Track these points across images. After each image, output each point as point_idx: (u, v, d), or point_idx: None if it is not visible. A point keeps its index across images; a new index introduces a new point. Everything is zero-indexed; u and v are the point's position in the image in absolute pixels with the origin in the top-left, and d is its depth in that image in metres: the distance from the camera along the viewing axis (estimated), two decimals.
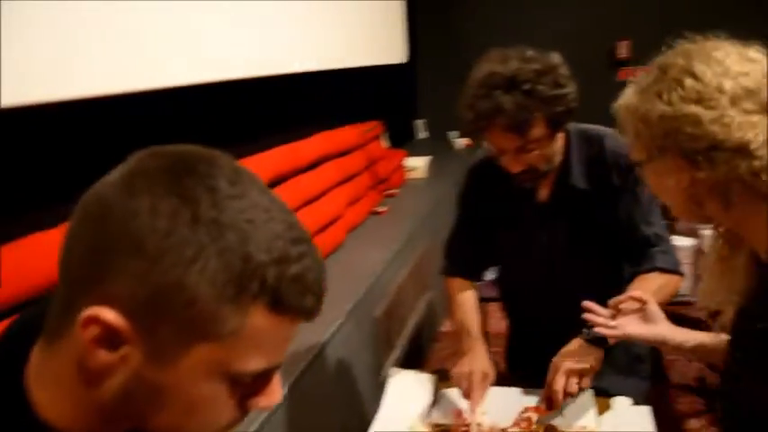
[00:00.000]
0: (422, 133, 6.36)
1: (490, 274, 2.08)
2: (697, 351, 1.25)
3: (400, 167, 4.13)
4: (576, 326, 1.74)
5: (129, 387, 0.55)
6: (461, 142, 5.99)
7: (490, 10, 6.47)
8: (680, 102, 0.87)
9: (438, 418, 1.62)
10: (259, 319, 0.53)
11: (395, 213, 3.53)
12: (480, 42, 6.50)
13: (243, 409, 0.60)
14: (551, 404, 1.47)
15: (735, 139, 0.83)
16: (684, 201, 0.94)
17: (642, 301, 1.30)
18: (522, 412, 1.54)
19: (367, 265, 2.66)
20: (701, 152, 0.86)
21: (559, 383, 1.44)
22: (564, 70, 1.46)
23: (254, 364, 0.56)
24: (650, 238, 1.59)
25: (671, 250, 1.61)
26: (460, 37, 6.55)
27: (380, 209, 3.50)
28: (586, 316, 1.36)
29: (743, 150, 0.83)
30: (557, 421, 1.56)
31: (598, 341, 1.46)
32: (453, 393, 1.68)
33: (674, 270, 1.57)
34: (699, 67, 0.87)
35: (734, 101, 0.84)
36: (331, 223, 2.87)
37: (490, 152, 1.63)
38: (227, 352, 0.54)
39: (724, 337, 1.13)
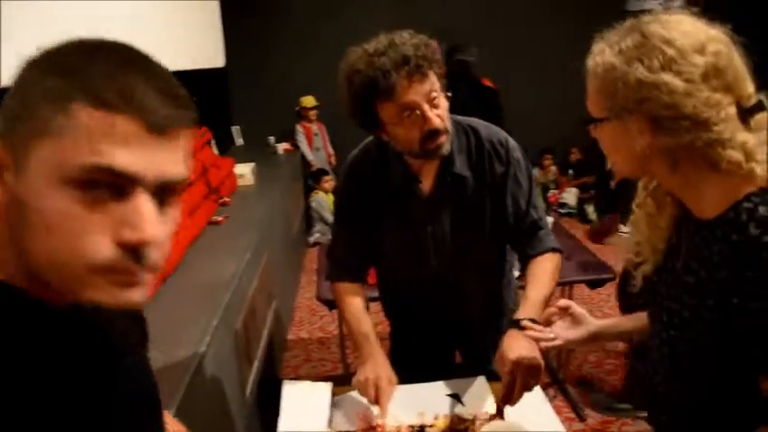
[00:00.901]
0: (238, 140, 6.18)
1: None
2: (624, 336, 1.34)
3: (231, 175, 3.97)
4: (464, 320, 1.79)
5: (11, 212, 0.61)
6: (281, 147, 5.93)
7: (300, 18, 6.46)
8: (660, 70, 0.91)
9: (341, 424, 1.57)
10: (84, 114, 0.58)
11: (233, 222, 3.38)
12: (290, 50, 6.47)
13: (118, 243, 0.60)
14: (507, 401, 1.43)
15: (700, 112, 0.90)
16: (633, 161, 1.00)
17: (567, 308, 1.37)
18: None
19: (220, 278, 2.50)
20: (669, 120, 0.91)
21: (521, 382, 1.40)
22: (433, 43, 1.50)
23: (86, 155, 0.58)
24: (538, 222, 1.67)
25: (550, 230, 1.71)
26: (270, 44, 6.47)
27: (218, 218, 3.33)
28: (528, 333, 1.38)
29: (705, 124, 0.90)
30: (459, 410, 1.59)
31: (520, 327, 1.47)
32: (351, 398, 1.64)
33: (560, 249, 1.68)
34: (679, 40, 0.91)
35: (705, 77, 0.91)
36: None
37: (383, 151, 1.62)
38: (63, 150, 0.58)
39: (643, 315, 1.22)
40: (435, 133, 1.48)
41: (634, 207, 1.16)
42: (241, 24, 6.02)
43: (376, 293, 1.91)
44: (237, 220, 3.42)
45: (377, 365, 1.56)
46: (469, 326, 1.82)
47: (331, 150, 6.42)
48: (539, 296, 1.54)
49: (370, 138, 1.69)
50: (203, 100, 5.01)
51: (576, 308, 1.37)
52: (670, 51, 0.90)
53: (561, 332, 1.35)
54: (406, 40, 1.43)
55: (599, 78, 0.98)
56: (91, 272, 0.60)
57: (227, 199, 3.70)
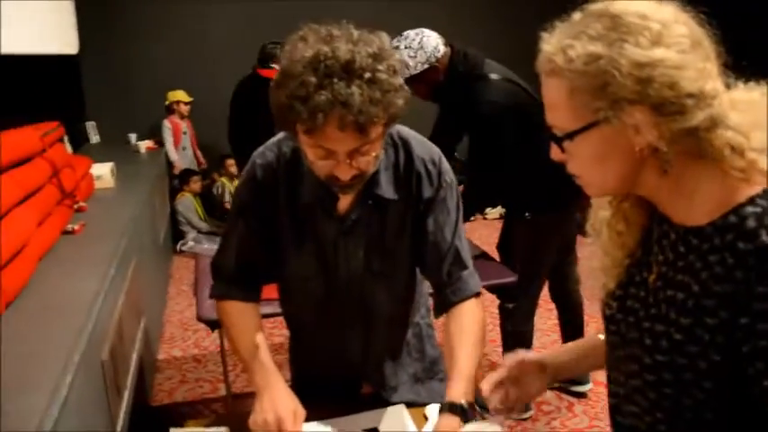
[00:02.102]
0: (93, 137, 5.61)
1: None
2: (589, 367, 1.21)
3: (87, 176, 3.51)
4: (370, 346, 1.59)
5: None
6: (144, 145, 5.43)
7: (158, 3, 5.97)
8: (651, 46, 0.77)
9: None
10: None
11: (91, 231, 2.96)
12: (153, 37, 6.00)
13: None
14: None
15: (702, 85, 0.79)
16: (626, 168, 0.85)
17: (519, 363, 1.20)
18: None
19: (78, 299, 2.12)
20: (673, 102, 0.78)
21: None
22: (397, 54, 1.22)
23: None
24: (462, 257, 1.46)
25: (473, 268, 1.50)
26: (129, 30, 5.94)
27: (73, 226, 2.90)
28: (493, 407, 1.18)
29: (707, 97, 0.79)
30: None
31: (464, 412, 1.26)
32: None
33: (480, 292, 1.49)
34: (653, 13, 0.79)
35: (693, 46, 0.79)
36: (19, 251, 2.25)
37: (298, 156, 1.36)
38: None
39: (595, 335, 1.08)
40: (341, 181, 1.26)
41: (593, 229, 1.02)
42: (97, 6, 5.45)
43: (271, 309, 1.65)
44: (97, 227, 3.00)
45: (277, 398, 1.30)
46: (375, 351, 1.62)
47: (199, 151, 6.01)
48: (469, 364, 1.32)
49: (283, 134, 1.43)
50: (53, 90, 4.47)
51: (530, 356, 1.20)
52: (654, 25, 0.78)
53: (523, 394, 1.19)
54: (365, 68, 1.13)
55: (578, 75, 0.81)
56: None
57: (83, 204, 3.25)
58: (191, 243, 5.34)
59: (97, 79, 5.80)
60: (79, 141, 5.19)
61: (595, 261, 1.01)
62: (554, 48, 0.83)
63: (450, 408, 1.26)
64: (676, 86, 0.77)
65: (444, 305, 1.46)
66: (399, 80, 1.19)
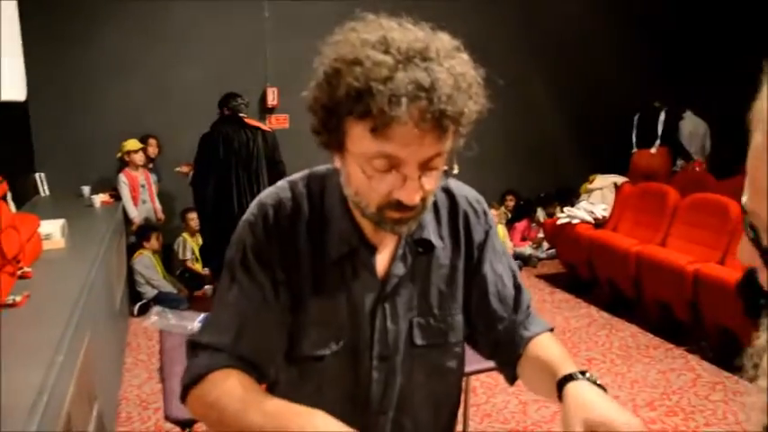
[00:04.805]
0: (42, 190, 5.17)
1: None
2: None
3: (34, 237, 3.10)
4: None
5: None
6: (99, 199, 5.00)
7: (118, 46, 5.66)
8: None
9: None
10: None
11: (37, 302, 2.55)
12: (102, 85, 5.64)
13: None
14: None
15: None
16: None
17: None
18: None
19: (17, 399, 1.73)
20: None
21: None
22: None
23: None
24: (529, 304, 1.22)
25: None
26: (83, 77, 5.58)
27: (15, 298, 2.49)
28: None
29: None
30: None
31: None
32: None
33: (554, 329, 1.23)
34: None
35: None
36: None
37: (318, 199, 1.09)
38: None
39: None
40: (404, 208, 0.97)
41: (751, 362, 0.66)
42: (46, 49, 5.08)
43: None
44: (43, 298, 2.59)
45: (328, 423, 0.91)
46: None
47: (158, 204, 5.60)
48: (567, 354, 1.09)
49: (301, 175, 1.14)
50: None
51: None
52: None
53: None
54: (444, 56, 0.90)
55: None
56: None
57: (27, 270, 2.84)
58: (154, 318, 4.84)
59: (46, 127, 5.40)
60: (26, 195, 4.75)
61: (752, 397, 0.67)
62: None
63: (569, 377, 0.98)
64: None
65: (516, 348, 1.16)
66: (479, 80, 0.94)
